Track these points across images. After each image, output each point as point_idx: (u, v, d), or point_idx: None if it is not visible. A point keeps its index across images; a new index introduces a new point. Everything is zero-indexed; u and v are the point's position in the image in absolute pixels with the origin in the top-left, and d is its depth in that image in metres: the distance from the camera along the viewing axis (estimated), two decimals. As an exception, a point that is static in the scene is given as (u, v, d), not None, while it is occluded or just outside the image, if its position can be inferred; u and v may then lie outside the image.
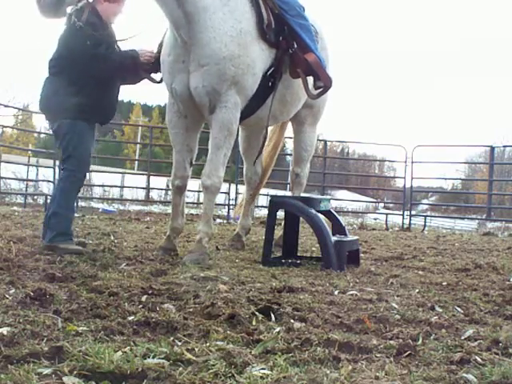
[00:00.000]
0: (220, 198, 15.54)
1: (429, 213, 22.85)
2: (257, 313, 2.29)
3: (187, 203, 17.15)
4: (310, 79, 4.40)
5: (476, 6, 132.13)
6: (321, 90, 4.35)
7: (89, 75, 4.01)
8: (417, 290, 3.11)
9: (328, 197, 5.09)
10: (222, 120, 3.86)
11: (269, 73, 4.13)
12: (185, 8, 3.72)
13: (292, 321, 2.23)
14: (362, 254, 4.55)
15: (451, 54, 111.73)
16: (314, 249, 5.11)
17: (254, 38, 3.95)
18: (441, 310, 2.59)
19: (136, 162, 32.09)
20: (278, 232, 4.81)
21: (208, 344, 1.83)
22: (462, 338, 2.10)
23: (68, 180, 4.03)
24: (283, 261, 4.04)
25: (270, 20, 4.05)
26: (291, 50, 4.20)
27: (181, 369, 1.59)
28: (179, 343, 1.85)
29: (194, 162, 4.24)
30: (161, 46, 4.17)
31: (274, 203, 4.24)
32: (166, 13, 3.78)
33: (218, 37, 3.77)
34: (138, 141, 39.32)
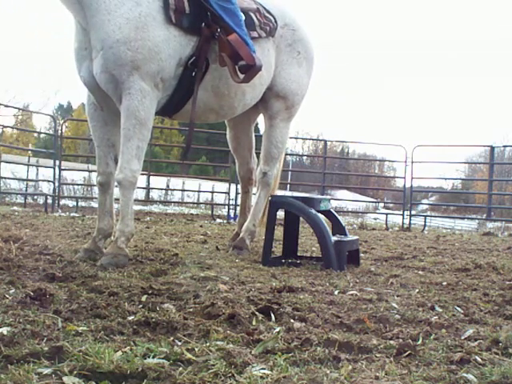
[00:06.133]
0: (220, 198, 15.59)
1: (429, 213, 22.87)
2: (257, 313, 2.28)
3: (187, 202, 17.13)
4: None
5: (476, 5, 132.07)
6: (244, 69, 3.94)
7: None
8: (417, 290, 3.10)
9: (328, 197, 5.08)
10: (127, 107, 3.63)
11: (190, 62, 3.89)
12: None
13: (292, 321, 2.23)
14: (362, 254, 4.55)
15: (451, 54, 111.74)
16: (314, 249, 5.12)
17: (158, 23, 3.70)
18: (441, 310, 2.59)
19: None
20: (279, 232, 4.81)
21: (208, 344, 1.83)
22: (462, 337, 2.10)
23: None
24: (283, 261, 4.04)
25: (180, 5, 3.79)
26: (216, 35, 3.92)
27: (181, 369, 1.59)
28: (179, 343, 1.85)
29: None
30: None
31: (274, 203, 4.24)
32: (60, 1, 3.60)
33: (112, 19, 3.56)
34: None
